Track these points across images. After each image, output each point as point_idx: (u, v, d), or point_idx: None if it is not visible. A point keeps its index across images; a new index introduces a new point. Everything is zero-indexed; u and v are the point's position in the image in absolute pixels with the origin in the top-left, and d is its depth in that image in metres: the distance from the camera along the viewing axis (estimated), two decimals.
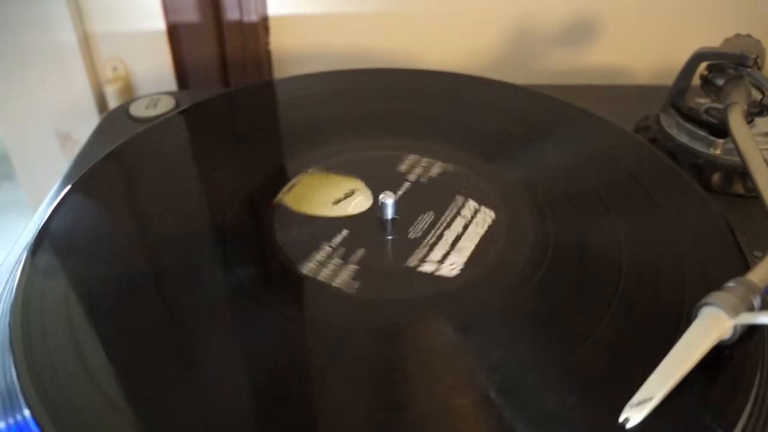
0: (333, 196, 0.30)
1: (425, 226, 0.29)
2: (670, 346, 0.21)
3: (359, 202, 0.30)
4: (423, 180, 0.32)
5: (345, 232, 0.29)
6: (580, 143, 0.35)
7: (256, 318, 0.24)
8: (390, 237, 0.29)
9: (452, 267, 0.27)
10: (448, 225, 0.29)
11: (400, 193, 0.31)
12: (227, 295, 0.26)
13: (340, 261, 0.27)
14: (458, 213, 0.29)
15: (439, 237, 0.28)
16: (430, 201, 0.30)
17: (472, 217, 0.29)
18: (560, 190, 0.31)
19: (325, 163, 0.33)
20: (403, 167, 0.33)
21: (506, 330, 0.24)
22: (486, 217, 0.29)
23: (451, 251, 0.27)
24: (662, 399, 0.20)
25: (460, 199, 0.30)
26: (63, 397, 0.21)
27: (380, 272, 0.27)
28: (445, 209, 0.30)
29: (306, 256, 0.27)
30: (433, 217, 0.29)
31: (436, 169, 0.33)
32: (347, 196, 0.30)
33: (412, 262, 0.27)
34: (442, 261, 0.27)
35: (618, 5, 0.49)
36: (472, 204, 0.30)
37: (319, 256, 0.27)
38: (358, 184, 0.31)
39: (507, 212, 0.30)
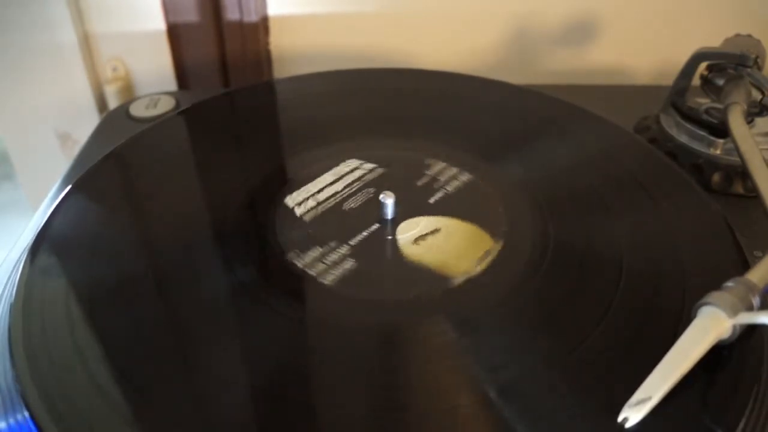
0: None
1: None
2: (669, 345, 0.21)
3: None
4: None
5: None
6: (580, 143, 0.35)
7: (256, 318, 0.24)
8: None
9: None
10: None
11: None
12: (227, 295, 0.26)
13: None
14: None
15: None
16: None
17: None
18: (560, 190, 0.31)
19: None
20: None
21: (506, 330, 0.24)
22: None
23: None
24: (661, 399, 0.20)
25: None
26: (63, 398, 0.21)
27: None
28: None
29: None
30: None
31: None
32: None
33: None
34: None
35: (618, 5, 0.49)
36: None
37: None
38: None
39: (507, 212, 0.30)
